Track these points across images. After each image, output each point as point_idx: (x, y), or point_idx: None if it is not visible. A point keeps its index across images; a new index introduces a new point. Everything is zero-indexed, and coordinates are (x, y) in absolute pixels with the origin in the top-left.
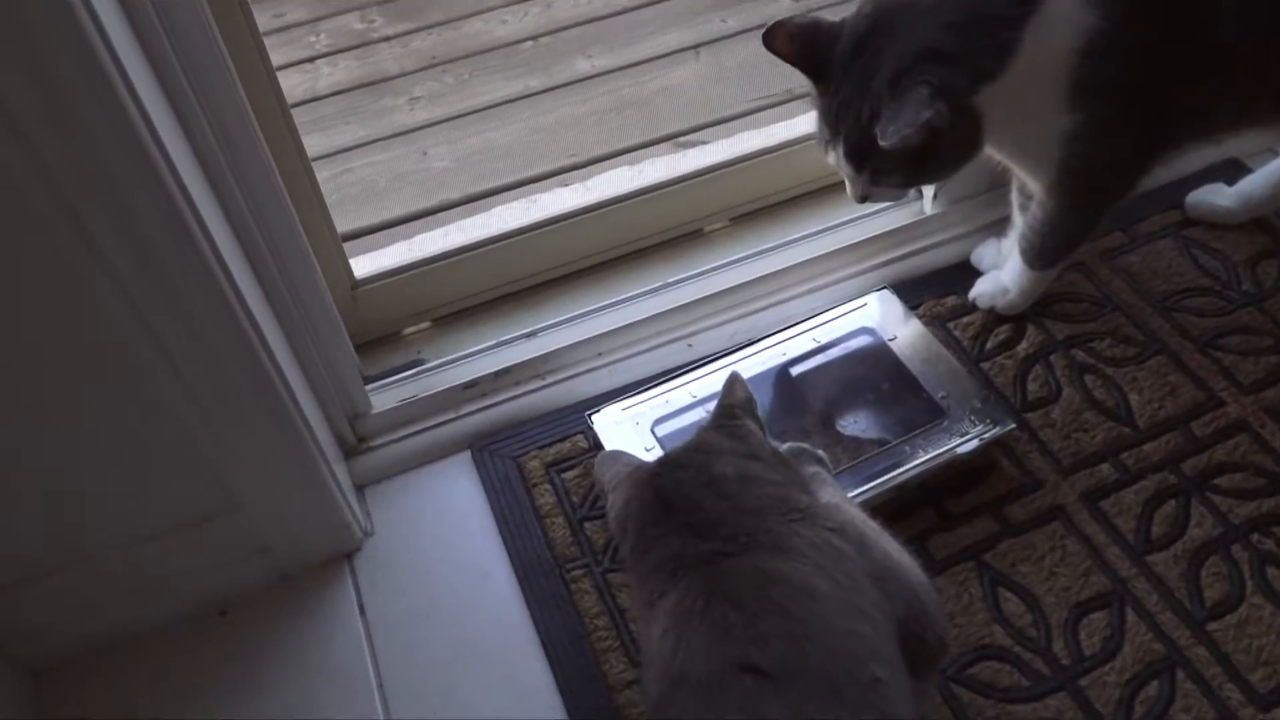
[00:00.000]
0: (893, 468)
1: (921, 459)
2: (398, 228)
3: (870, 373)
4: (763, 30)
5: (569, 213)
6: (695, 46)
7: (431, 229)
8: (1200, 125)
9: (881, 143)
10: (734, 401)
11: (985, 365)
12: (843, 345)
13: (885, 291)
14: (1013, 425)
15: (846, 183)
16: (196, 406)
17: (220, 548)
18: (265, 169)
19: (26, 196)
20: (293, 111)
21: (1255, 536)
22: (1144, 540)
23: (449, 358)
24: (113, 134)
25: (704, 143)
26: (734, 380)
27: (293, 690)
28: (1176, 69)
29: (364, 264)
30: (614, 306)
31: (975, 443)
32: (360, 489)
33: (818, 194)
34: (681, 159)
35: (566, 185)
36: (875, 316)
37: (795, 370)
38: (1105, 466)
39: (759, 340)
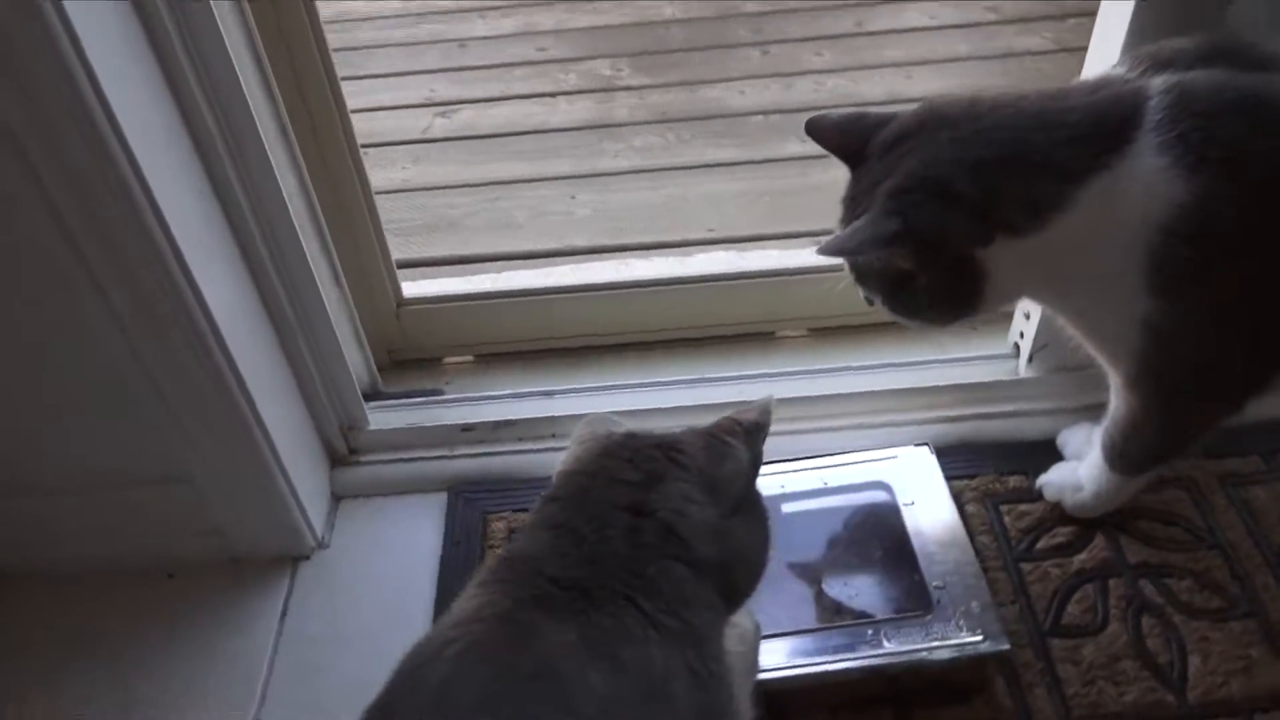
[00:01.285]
0: (853, 648)
1: (884, 651)
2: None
3: (868, 534)
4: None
5: (641, 281)
6: None
7: (532, 269)
8: None
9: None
10: (740, 419)
11: (1025, 566)
12: (850, 495)
13: (924, 449)
14: (1005, 647)
15: None
16: (147, 378)
17: (172, 514)
18: (270, 174)
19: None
20: (515, 139)
21: None
22: None
23: (462, 395)
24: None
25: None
26: (760, 404)
27: (186, 665)
28: None
29: (417, 287)
30: (646, 388)
31: (952, 653)
32: (338, 499)
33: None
34: (784, 256)
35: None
36: (900, 473)
37: (787, 507)
38: None
39: (769, 462)
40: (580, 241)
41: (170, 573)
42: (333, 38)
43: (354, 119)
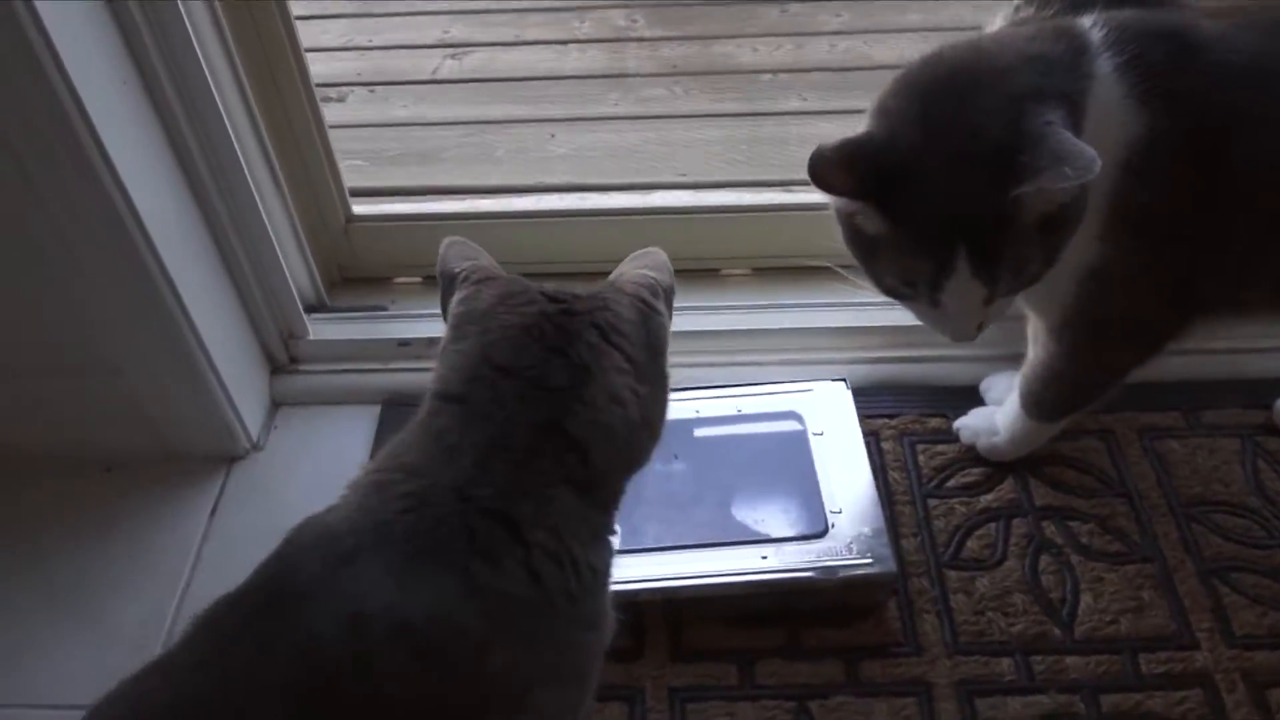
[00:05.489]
0: (749, 565)
1: (774, 568)
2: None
3: (774, 460)
4: (808, 168)
5: (588, 210)
6: None
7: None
8: (1242, 295)
9: (1060, 184)
10: (658, 280)
11: (932, 502)
12: (762, 423)
13: (841, 384)
14: (893, 570)
15: (952, 324)
16: (74, 265)
17: (107, 407)
18: (203, 81)
19: None
20: (521, 85)
21: None
22: None
23: (403, 313)
24: None
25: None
26: (657, 260)
27: (115, 557)
28: (1219, 211)
29: (367, 204)
30: None
31: (840, 573)
32: (277, 405)
33: (845, 268)
34: (742, 195)
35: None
36: (814, 405)
37: (700, 431)
38: (1007, 662)
39: (689, 389)
40: (552, 179)
41: (108, 466)
42: None
43: (367, 57)
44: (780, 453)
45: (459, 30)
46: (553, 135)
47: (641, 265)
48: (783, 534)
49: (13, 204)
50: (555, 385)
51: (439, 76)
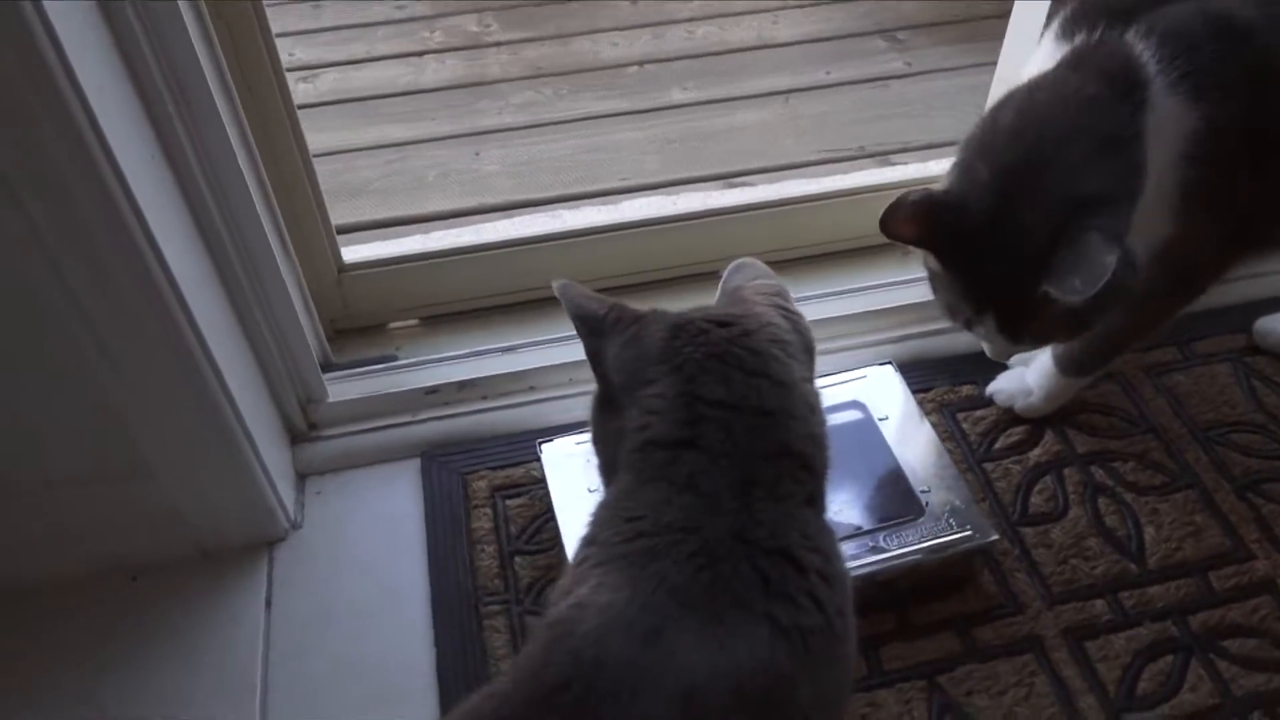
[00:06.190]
0: (854, 559)
1: (884, 555)
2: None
3: (851, 451)
4: (880, 216)
5: (582, 230)
6: (788, 92)
7: (460, 227)
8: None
9: (1069, 297)
10: (779, 287)
11: (988, 466)
12: (828, 415)
13: (889, 367)
14: (994, 538)
15: (987, 346)
16: (110, 363)
17: (134, 510)
18: (225, 142)
19: None
20: (387, 101)
21: (1256, 715)
22: (1126, 695)
23: (420, 359)
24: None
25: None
26: (762, 267)
27: (175, 674)
28: (1271, 174)
29: (357, 251)
30: None
31: (946, 549)
32: (303, 477)
33: (850, 253)
34: (720, 196)
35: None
36: (871, 391)
37: None
38: (1100, 603)
39: None
40: (494, 198)
41: (133, 574)
42: None
43: None
44: (854, 441)
45: (304, 52)
46: (478, 153)
47: (752, 276)
48: (879, 521)
49: (45, 315)
50: (771, 408)
51: (296, 101)
